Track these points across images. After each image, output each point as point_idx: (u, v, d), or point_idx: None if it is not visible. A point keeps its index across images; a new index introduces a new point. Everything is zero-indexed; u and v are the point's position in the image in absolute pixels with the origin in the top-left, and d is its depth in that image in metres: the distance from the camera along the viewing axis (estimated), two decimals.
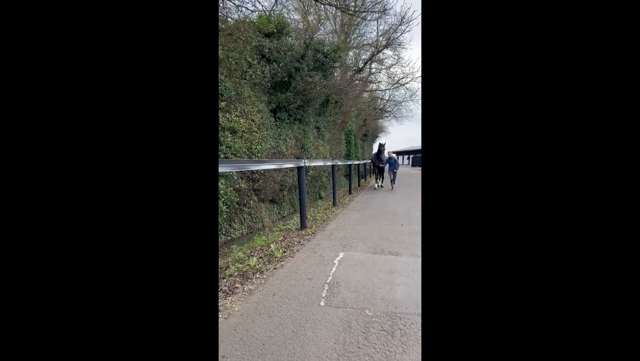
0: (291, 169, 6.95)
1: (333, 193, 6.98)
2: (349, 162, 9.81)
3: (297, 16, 8.65)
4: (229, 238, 5.20)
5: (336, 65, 9.09)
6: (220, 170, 2.96)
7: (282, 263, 2.92)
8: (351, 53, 11.72)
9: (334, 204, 6.71)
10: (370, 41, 11.60)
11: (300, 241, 3.72)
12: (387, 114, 20.85)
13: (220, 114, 4.82)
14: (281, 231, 4.47)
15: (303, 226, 4.48)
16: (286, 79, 7.16)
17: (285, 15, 7.40)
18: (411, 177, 15.31)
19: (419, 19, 10.67)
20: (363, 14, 8.07)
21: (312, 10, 8.88)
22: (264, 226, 6.16)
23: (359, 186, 11.21)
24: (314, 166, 8.29)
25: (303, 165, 4.57)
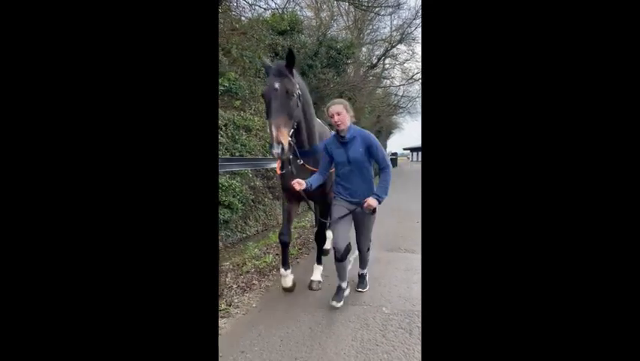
0: None
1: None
2: None
3: (309, 13, 8.64)
4: (244, 235, 5.25)
5: (349, 61, 9.04)
6: (235, 168, 2.98)
7: (297, 260, 2.93)
8: (364, 49, 11.62)
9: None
10: (384, 37, 11.49)
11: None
12: (401, 110, 20.63)
13: (235, 113, 4.87)
14: (295, 228, 4.49)
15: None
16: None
17: (298, 12, 7.40)
18: None
19: None
20: (377, 9, 7.98)
21: (324, 6, 8.85)
22: (278, 223, 6.19)
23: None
24: None
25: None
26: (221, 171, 4.24)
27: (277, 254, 3.12)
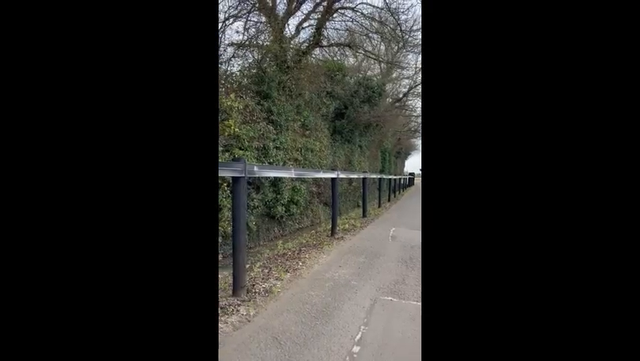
0: (341, 180, 8.91)
1: (364, 204, 7.66)
2: (379, 177, 10.59)
3: (352, 60, 10.92)
4: (300, 226, 7.29)
5: (380, 98, 11.23)
6: (306, 177, 4.87)
7: (343, 237, 4.95)
8: (390, 85, 13.88)
9: (364, 215, 7.34)
10: (409, 75, 13.75)
11: (330, 242, 4.43)
12: (419, 135, 22.63)
13: (304, 139, 7.01)
14: (347, 218, 6.48)
15: (333, 232, 4.88)
16: (344, 110, 9.37)
17: (345, 62, 9.67)
18: None
19: None
20: (404, 64, 10.16)
21: (364, 59, 11.13)
22: (320, 221, 8.21)
23: (388, 200, 11.55)
24: (356, 178, 9.85)
25: (336, 176, 5.15)
26: (296, 177, 6.28)
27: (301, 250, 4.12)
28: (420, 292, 2.47)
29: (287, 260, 3.30)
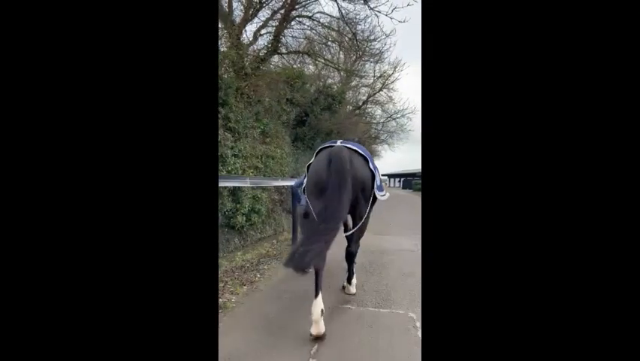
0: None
1: None
2: None
3: (312, 67, 11.01)
4: (263, 236, 7.14)
5: (340, 105, 11.42)
6: (264, 185, 4.72)
7: None
8: (351, 92, 14.18)
9: None
10: (368, 83, 14.14)
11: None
12: (379, 141, 23.29)
13: (265, 146, 6.90)
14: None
15: (294, 241, 5.00)
16: (305, 118, 9.37)
17: (304, 69, 9.72)
18: (402, 197, 17.48)
19: (407, 70, 13.31)
20: (362, 73, 10.42)
21: (323, 67, 11.28)
22: (283, 230, 8.10)
23: None
24: None
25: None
26: (255, 186, 6.13)
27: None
28: (377, 299, 2.50)
29: (244, 273, 3.19)
